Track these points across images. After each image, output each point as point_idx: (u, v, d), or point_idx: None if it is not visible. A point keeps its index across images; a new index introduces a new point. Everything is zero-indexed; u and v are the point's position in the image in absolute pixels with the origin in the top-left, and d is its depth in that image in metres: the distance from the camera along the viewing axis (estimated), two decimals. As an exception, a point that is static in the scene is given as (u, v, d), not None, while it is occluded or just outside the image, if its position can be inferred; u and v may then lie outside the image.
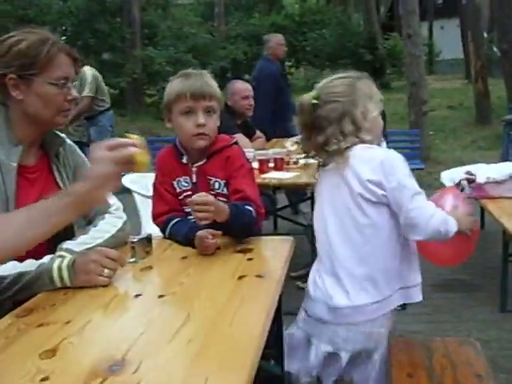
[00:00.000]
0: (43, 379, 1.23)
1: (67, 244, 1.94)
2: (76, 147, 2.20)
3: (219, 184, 2.28)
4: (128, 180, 4.25)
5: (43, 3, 16.30)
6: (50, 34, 1.97)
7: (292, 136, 5.08)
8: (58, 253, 1.87)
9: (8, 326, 1.53)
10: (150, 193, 4.20)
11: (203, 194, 2.05)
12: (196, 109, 2.20)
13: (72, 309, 1.63)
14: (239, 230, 2.17)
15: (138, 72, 14.94)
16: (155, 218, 2.34)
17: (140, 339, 1.41)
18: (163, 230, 2.29)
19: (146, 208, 4.03)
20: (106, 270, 1.80)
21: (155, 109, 15.50)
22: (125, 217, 2.20)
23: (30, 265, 1.78)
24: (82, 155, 2.21)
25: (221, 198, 2.24)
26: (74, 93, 1.99)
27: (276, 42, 6.72)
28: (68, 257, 1.81)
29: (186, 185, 2.31)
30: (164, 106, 2.30)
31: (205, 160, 2.30)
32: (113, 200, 2.21)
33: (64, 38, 17.11)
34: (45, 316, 1.58)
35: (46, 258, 1.82)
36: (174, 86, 2.25)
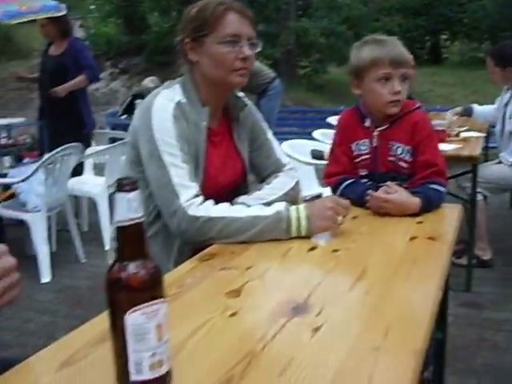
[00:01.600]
0: (232, 314, 1.31)
1: (242, 199, 2.02)
2: (253, 107, 2.27)
3: (402, 150, 2.25)
4: (287, 145, 4.33)
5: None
6: None
7: None
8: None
9: (193, 267, 1.64)
10: (307, 158, 4.30)
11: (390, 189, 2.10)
12: (393, 76, 2.17)
13: (250, 257, 1.72)
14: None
15: (292, 43, 15.02)
16: (327, 177, 2.37)
17: (319, 287, 1.46)
18: (334, 190, 2.31)
19: (302, 173, 4.10)
20: (340, 217, 1.88)
21: (307, 80, 15.55)
22: (297, 177, 2.24)
23: (261, 209, 1.87)
24: (259, 115, 2.28)
25: (402, 164, 2.25)
26: (247, 51, 1.97)
27: None
28: (301, 207, 1.87)
29: (364, 148, 2.31)
30: (353, 71, 2.26)
31: (388, 125, 2.27)
32: (287, 160, 2.28)
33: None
34: (226, 261, 1.67)
35: (280, 205, 1.89)
36: (368, 52, 2.20)
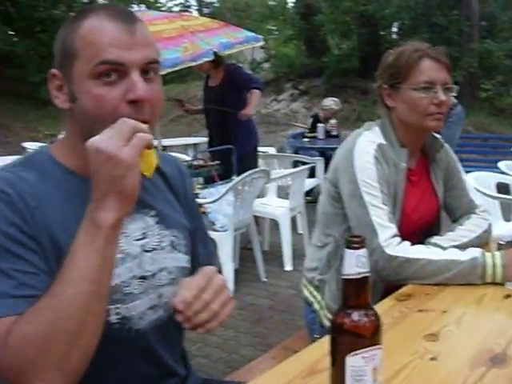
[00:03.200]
0: (432, 359, 1.38)
1: (436, 239, 2.09)
2: (449, 148, 2.33)
3: None
4: (471, 177, 4.27)
5: (383, -2, 16.77)
6: (418, 44, 2.11)
7: None
8: (426, 245, 2.03)
9: (391, 307, 1.72)
10: (492, 192, 4.21)
11: None
12: None
13: (445, 300, 1.77)
14: None
15: (475, 66, 14.62)
16: None
17: (516, 338, 1.50)
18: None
19: (492, 209, 4.03)
20: None
21: (490, 104, 15.05)
22: (490, 219, 2.27)
23: (456, 254, 1.93)
24: (454, 156, 2.33)
25: None
26: (442, 96, 2.03)
27: None
28: (497, 254, 1.91)
29: None
30: None
31: None
32: (480, 201, 2.31)
33: (400, 32, 17.42)
34: (422, 303, 1.74)
35: (476, 251, 1.93)
36: None
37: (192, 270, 1.45)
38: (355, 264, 1.03)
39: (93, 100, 1.20)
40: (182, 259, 1.42)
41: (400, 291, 1.84)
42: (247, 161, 5.42)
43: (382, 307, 1.72)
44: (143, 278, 1.33)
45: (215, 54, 5.27)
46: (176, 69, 5.03)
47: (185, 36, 5.26)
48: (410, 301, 1.76)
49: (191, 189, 1.61)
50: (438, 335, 1.51)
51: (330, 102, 8.42)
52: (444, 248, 1.98)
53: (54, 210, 1.20)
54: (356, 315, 1.06)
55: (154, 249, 1.36)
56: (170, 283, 1.38)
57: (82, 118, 1.22)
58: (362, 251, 1.03)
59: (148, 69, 1.24)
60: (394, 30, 18.11)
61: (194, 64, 5.21)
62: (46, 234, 1.19)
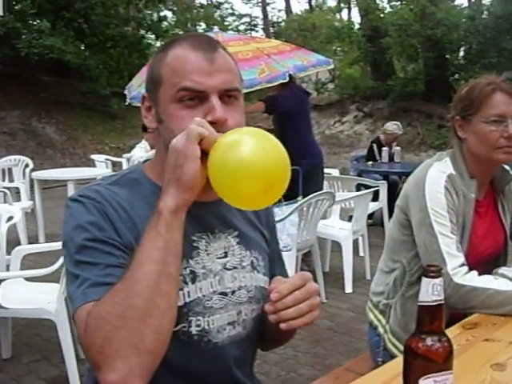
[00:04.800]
0: (501, 388, 1.42)
1: (503, 270, 2.11)
2: None
3: None
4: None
5: (451, 22, 16.63)
6: (492, 77, 2.13)
7: None
8: (493, 275, 2.06)
9: (457, 335, 1.75)
10: None
11: None
12: None
13: (512, 330, 1.80)
14: None
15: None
16: None
17: None
18: None
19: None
20: None
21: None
22: None
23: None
24: None
25: None
26: None
27: None
28: None
29: None
30: None
31: None
32: None
33: (467, 56, 17.23)
34: (489, 332, 1.77)
35: None
36: None
37: None
38: (431, 292, 1.09)
39: (175, 122, 1.32)
40: (261, 280, 1.49)
41: (467, 320, 1.88)
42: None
43: (449, 334, 1.75)
44: (223, 294, 1.40)
45: (290, 76, 5.36)
46: (252, 89, 5.16)
47: (260, 58, 5.42)
48: (477, 329, 1.80)
49: (273, 214, 1.69)
50: (505, 365, 1.54)
51: (394, 127, 8.36)
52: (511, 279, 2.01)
53: (143, 222, 1.29)
54: (430, 340, 1.11)
55: (235, 267, 1.44)
56: (249, 301, 1.46)
57: (168, 138, 1.31)
58: (439, 280, 1.09)
59: (228, 95, 1.34)
60: (461, 54, 17.93)
61: (269, 85, 5.32)
62: (136, 242, 1.28)
